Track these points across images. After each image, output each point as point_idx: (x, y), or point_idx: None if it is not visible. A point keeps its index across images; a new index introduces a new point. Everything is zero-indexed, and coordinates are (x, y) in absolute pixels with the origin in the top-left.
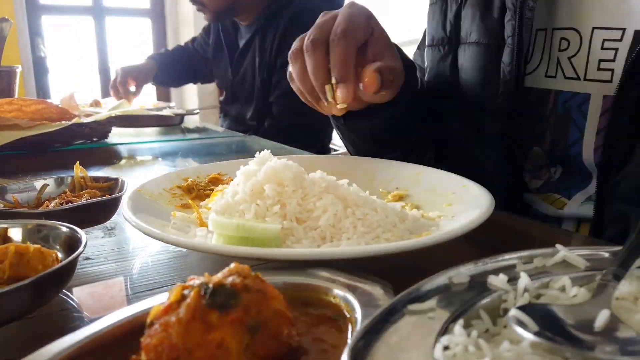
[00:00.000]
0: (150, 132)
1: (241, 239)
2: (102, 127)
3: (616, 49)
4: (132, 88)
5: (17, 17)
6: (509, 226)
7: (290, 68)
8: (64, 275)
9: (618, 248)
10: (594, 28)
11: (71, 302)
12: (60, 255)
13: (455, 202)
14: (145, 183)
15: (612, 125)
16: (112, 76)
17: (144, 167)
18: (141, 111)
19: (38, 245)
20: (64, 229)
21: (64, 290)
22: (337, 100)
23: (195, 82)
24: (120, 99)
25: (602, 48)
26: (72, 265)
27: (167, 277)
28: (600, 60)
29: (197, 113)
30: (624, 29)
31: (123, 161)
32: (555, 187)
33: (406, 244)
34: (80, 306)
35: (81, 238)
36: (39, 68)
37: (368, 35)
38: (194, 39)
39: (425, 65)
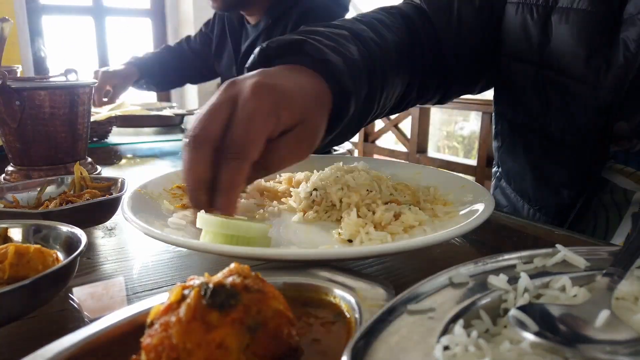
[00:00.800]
0: (150, 132)
1: (227, 237)
2: (102, 127)
3: None
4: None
5: (18, 17)
6: (509, 226)
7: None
8: (64, 275)
9: (618, 248)
10: None
11: (71, 302)
12: (60, 255)
13: (455, 202)
14: (146, 183)
15: None
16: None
17: (144, 167)
18: (141, 111)
19: (38, 245)
20: (64, 229)
21: (64, 290)
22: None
23: (183, 84)
24: (96, 106)
25: None
26: (72, 265)
27: (167, 277)
28: None
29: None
30: None
31: (123, 161)
32: (631, 162)
33: (406, 244)
34: (80, 306)
35: (81, 238)
36: (40, 68)
37: (271, 133)
38: (188, 38)
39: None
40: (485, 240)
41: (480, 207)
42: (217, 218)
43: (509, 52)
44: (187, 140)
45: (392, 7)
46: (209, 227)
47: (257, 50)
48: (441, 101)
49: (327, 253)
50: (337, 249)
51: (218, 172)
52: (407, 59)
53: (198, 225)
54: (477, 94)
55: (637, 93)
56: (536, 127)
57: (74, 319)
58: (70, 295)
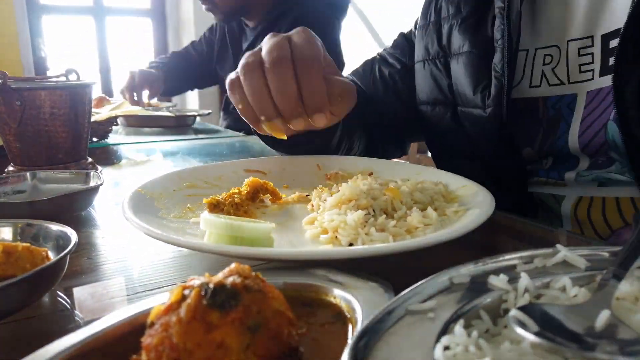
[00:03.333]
0: (150, 132)
1: (231, 238)
2: (102, 127)
3: (592, 53)
4: (145, 95)
5: (18, 17)
6: (509, 226)
7: (239, 79)
8: (53, 274)
9: (618, 248)
10: (568, 41)
11: (71, 302)
12: (51, 253)
13: (456, 202)
14: (146, 183)
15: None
16: (128, 78)
17: (144, 167)
18: (141, 111)
19: (27, 244)
20: (54, 228)
21: (64, 290)
22: (315, 125)
23: (193, 89)
24: (135, 103)
25: (580, 55)
26: (61, 263)
27: (167, 277)
28: (580, 65)
29: (208, 114)
30: (592, 37)
31: (123, 161)
32: (548, 174)
33: (406, 244)
34: (80, 306)
35: (71, 237)
36: (40, 68)
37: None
38: (193, 42)
39: (417, 78)
40: (485, 240)
41: (480, 207)
42: (221, 220)
43: (429, 100)
44: (271, 63)
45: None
46: (212, 228)
47: None
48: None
49: (327, 253)
50: (337, 249)
51: (302, 82)
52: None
53: (202, 227)
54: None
55: (532, 121)
56: (467, 153)
57: (73, 319)
58: (70, 295)
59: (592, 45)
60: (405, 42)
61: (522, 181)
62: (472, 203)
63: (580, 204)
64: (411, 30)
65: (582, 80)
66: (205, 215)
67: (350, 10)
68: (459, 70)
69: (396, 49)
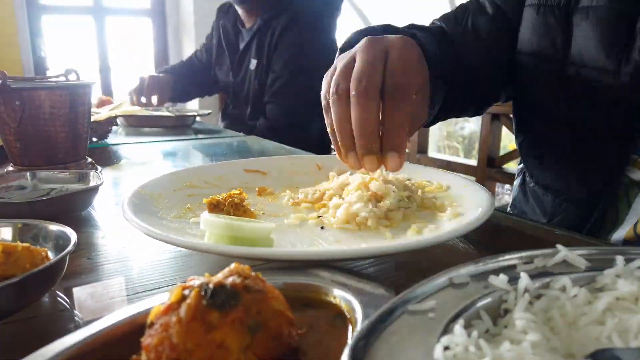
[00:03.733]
0: (149, 132)
1: (231, 238)
2: (102, 127)
3: None
4: (155, 99)
5: (18, 17)
6: (509, 226)
7: (329, 103)
8: (52, 274)
9: (619, 248)
10: None
11: (71, 302)
12: (50, 253)
13: (456, 202)
14: (146, 183)
15: None
16: (138, 82)
17: (144, 167)
18: (141, 112)
19: (27, 244)
20: (54, 228)
21: (64, 291)
22: (387, 167)
23: (201, 96)
24: (144, 105)
25: None
26: (60, 263)
27: (167, 277)
28: None
29: (208, 114)
30: None
31: (123, 161)
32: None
33: (406, 244)
34: (80, 306)
35: (71, 237)
36: (40, 68)
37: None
38: (196, 52)
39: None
40: (485, 240)
41: (480, 207)
42: (221, 220)
43: (533, 52)
44: (358, 92)
45: (423, 27)
46: (213, 229)
47: (351, 34)
48: (476, 113)
49: (327, 253)
50: (337, 249)
51: (386, 116)
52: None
53: (202, 227)
54: (504, 102)
55: None
56: (562, 117)
57: (73, 319)
58: (70, 295)
59: None
60: None
61: (622, 158)
62: (472, 203)
63: None
64: None
65: None
66: (205, 216)
67: (349, 9)
68: (587, 26)
69: None
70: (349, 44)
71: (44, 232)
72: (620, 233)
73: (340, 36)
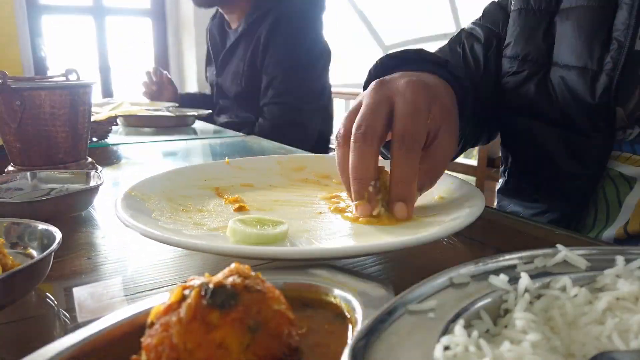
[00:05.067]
0: (150, 132)
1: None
2: (102, 127)
3: None
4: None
5: (18, 17)
6: (509, 226)
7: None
8: (34, 274)
9: (620, 248)
10: None
11: (70, 302)
12: (35, 252)
13: (447, 199)
14: (137, 183)
15: None
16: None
17: (144, 167)
18: (141, 111)
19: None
20: (39, 227)
21: (63, 291)
22: (395, 216)
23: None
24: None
25: None
26: (42, 263)
27: (166, 277)
28: None
29: (208, 114)
30: None
31: (123, 161)
32: (630, 148)
33: (404, 241)
34: (80, 306)
35: (56, 235)
36: (40, 68)
37: (430, 132)
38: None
39: (508, 31)
40: (486, 240)
41: (470, 205)
42: (252, 230)
43: (517, 56)
44: (356, 136)
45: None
46: (242, 239)
47: (377, 61)
48: (490, 139)
49: (326, 252)
50: (335, 247)
51: (393, 166)
52: None
53: (229, 234)
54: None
55: (631, 77)
56: (544, 118)
57: (73, 319)
58: (69, 295)
59: None
60: (498, 9)
61: (604, 151)
62: (463, 201)
63: None
64: None
65: None
66: (233, 225)
67: (350, 10)
68: (568, 28)
69: (486, 19)
70: (380, 68)
71: (29, 232)
72: (611, 232)
73: (333, 34)
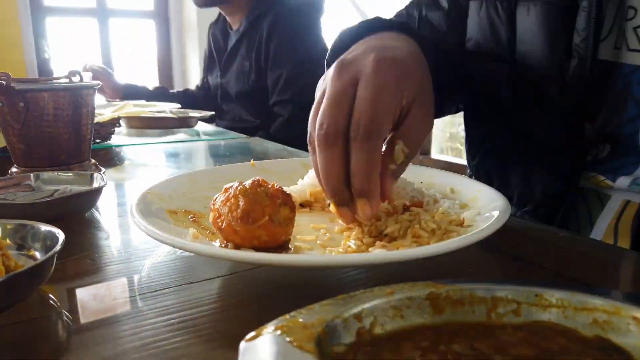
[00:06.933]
0: (152, 133)
1: None
2: (105, 129)
3: None
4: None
5: (22, 18)
6: (522, 232)
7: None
8: (37, 276)
9: None
10: None
11: (74, 303)
12: (38, 254)
13: (471, 207)
14: (154, 186)
15: None
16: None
17: (147, 168)
18: (143, 112)
19: None
20: (43, 228)
21: (67, 292)
22: (360, 215)
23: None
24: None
25: None
26: (46, 264)
27: (170, 278)
28: None
29: (211, 115)
30: None
31: (126, 162)
32: (600, 168)
33: (425, 251)
34: (83, 308)
35: (59, 237)
36: (43, 69)
37: (397, 117)
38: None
39: (468, 20)
40: (499, 245)
41: (497, 211)
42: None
43: (480, 50)
44: (318, 139)
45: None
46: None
47: (335, 39)
48: (458, 109)
49: (335, 260)
50: (345, 255)
51: (350, 160)
52: None
53: None
54: (454, 112)
55: (598, 91)
56: (515, 127)
57: (76, 320)
58: (73, 296)
59: None
60: None
61: (575, 169)
62: (489, 208)
63: (626, 210)
64: None
65: None
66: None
67: (349, 8)
68: (530, 22)
69: None
70: (340, 44)
71: (32, 233)
72: (597, 234)
73: (334, 35)
